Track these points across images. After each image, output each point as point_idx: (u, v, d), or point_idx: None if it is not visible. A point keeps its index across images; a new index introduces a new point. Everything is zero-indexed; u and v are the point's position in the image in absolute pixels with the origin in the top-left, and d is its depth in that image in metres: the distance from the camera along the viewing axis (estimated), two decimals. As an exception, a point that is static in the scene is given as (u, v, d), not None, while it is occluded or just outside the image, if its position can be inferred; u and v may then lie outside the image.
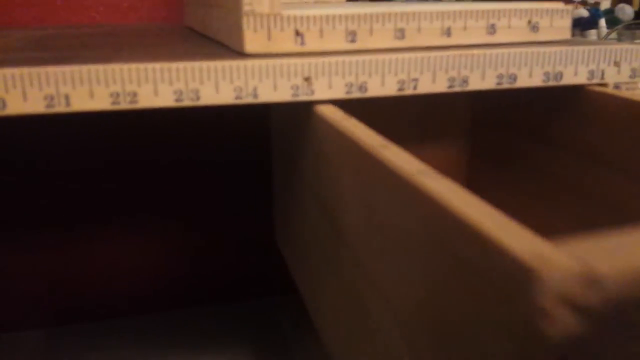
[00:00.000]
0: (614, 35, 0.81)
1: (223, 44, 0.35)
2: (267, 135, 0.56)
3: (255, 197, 0.67)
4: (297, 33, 0.30)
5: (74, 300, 0.69)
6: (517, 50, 0.30)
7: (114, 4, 0.76)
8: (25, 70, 0.25)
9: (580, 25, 0.84)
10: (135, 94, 0.26)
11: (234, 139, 0.65)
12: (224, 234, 0.67)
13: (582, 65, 0.31)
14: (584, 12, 0.85)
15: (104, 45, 0.37)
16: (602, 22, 0.83)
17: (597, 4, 0.89)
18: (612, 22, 0.83)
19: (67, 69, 0.25)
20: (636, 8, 0.87)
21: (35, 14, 0.74)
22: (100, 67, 0.25)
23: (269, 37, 0.29)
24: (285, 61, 0.28)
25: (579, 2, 0.88)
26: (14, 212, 0.63)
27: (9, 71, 0.25)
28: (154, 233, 0.68)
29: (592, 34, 0.83)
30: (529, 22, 0.33)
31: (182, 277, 0.70)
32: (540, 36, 0.33)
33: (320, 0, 0.64)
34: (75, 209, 0.65)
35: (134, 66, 0.26)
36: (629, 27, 0.80)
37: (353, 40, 0.31)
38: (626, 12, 0.83)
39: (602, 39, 0.81)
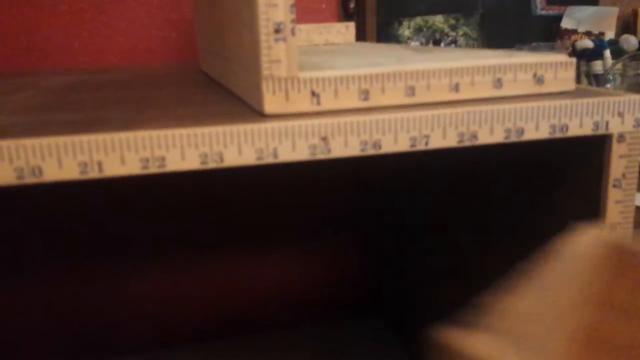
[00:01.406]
0: (619, 66, 0.82)
1: (241, 99, 0.37)
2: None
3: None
4: (313, 94, 0.31)
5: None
6: (524, 105, 0.32)
7: (130, 47, 0.78)
8: (61, 140, 0.27)
9: (586, 57, 0.85)
10: (163, 159, 0.28)
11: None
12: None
13: (587, 117, 0.33)
14: (588, 43, 0.86)
15: (128, 100, 0.39)
16: (607, 53, 0.84)
17: (602, 34, 0.91)
18: (617, 52, 0.84)
19: (100, 138, 0.27)
20: (640, 38, 0.88)
21: (55, 59, 0.77)
22: (130, 135, 0.27)
23: (287, 99, 0.31)
24: (302, 122, 0.29)
25: (583, 33, 0.90)
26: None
27: (45, 140, 0.26)
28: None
29: (598, 64, 0.84)
30: (534, 75, 0.34)
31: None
32: (546, 88, 0.35)
33: (329, 43, 0.66)
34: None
35: (162, 133, 0.27)
36: (634, 57, 0.81)
37: (366, 99, 0.32)
38: (631, 42, 0.85)
39: (607, 70, 0.83)
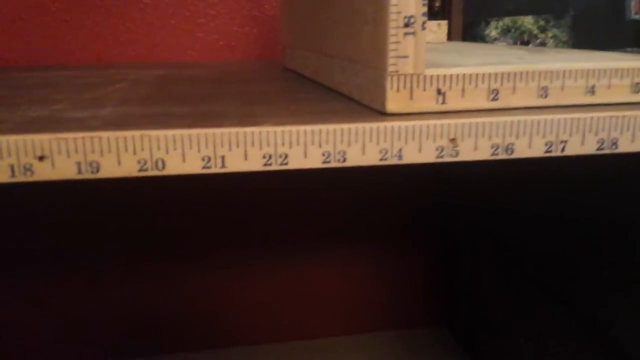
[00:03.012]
0: None
1: (349, 97, 0.35)
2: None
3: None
4: (439, 92, 0.29)
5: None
6: (672, 111, 0.29)
7: (211, 43, 0.78)
8: (185, 132, 0.26)
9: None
10: (286, 156, 0.26)
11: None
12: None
13: None
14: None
15: (231, 95, 0.38)
16: None
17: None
18: None
19: (225, 131, 0.26)
20: None
21: (139, 52, 0.77)
22: (255, 130, 0.26)
23: (411, 97, 0.29)
24: (431, 122, 0.28)
25: (682, 39, 0.84)
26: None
27: (170, 132, 0.25)
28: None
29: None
30: (679, 79, 0.31)
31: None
32: (691, 94, 0.31)
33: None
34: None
35: (286, 129, 0.26)
36: None
37: (495, 99, 0.30)
38: None
39: None
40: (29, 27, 0.74)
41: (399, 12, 0.28)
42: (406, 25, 0.28)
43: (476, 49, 0.49)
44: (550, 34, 0.80)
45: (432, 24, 0.63)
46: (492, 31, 0.78)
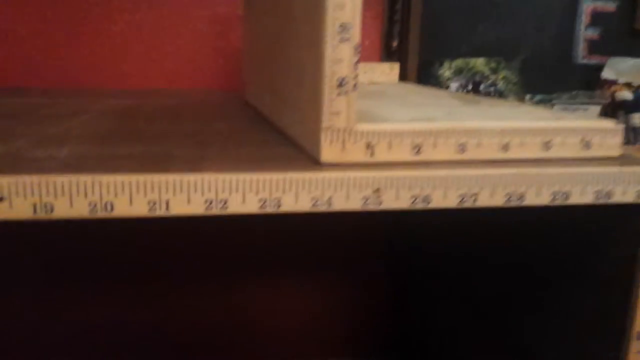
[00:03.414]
0: (658, 120, 0.82)
1: (294, 141, 0.39)
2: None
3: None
4: (368, 145, 0.33)
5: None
6: (571, 170, 0.33)
7: (177, 71, 0.81)
8: (133, 178, 0.28)
9: (624, 109, 0.85)
10: (225, 202, 0.29)
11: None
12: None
13: (630, 186, 0.33)
14: (628, 95, 0.87)
15: (184, 134, 0.41)
16: (647, 106, 0.84)
17: (642, 86, 0.91)
18: (657, 106, 0.85)
19: (170, 178, 0.29)
20: (681, 93, 0.88)
21: (107, 78, 0.80)
22: (198, 177, 0.29)
23: (343, 149, 0.32)
24: (358, 174, 0.31)
25: (623, 84, 0.90)
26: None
27: (119, 178, 0.28)
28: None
29: (636, 117, 0.85)
30: (582, 139, 0.35)
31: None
32: (592, 153, 0.35)
33: (373, 83, 0.68)
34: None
35: (227, 177, 0.29)
36: (674, 112, 0.81)
37: (418, 153, 0.33)
38: (671, 97, 0.85)
39: (646, 123, 0.83)
40: (2, 48, 0.76)
41: (333, 74, 0.31)
42: (339, 85, 0.31)
43: (417, 96, 0.52)
44: (501, 76, 0.85)
45: (385, 66, 0.67)
46: (446, 71, 0.82)
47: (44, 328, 0.82)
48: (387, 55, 0.83)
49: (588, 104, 0.87)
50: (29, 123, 0.44)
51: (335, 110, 0.32)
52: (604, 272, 0.39)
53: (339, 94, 0.31)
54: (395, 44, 0.82)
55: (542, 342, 0.46)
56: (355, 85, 0.31)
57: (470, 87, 0.84)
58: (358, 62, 0.31)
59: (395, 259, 0.85)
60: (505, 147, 0.34)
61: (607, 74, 0.89)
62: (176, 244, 0.81)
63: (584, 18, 0.88)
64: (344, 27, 0.30)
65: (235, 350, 0.88)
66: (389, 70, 0.67)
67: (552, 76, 0.88)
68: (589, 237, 0.40)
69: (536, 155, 0.35)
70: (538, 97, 0.85)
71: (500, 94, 0.85)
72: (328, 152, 0.32)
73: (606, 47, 0.89)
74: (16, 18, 0.76)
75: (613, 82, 0.89)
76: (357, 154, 0.33)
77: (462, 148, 0.34)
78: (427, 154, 0.34)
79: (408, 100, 0.49)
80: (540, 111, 0.42)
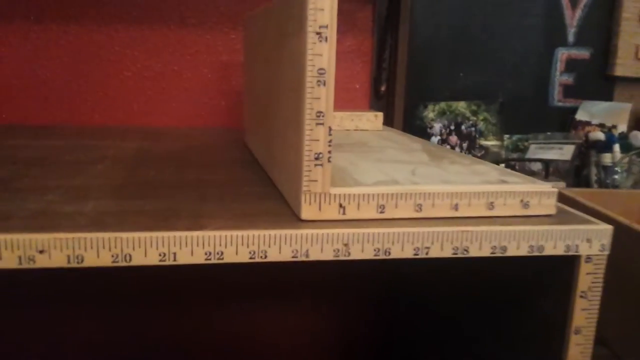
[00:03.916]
0: (627, 160, 0.89)
1: (282, 195, 0.46)
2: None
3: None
4: (341, 205, 0.40)
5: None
6: (509, 228, 0.40)
7: (183, 111, 0.89)
8: (148, 235, 0.35)
9: (596, 148, 0.92)
10: (222, 253, 0.36)
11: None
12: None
13: (560, 241, 0.40)
14: (600, 136, 0.94)
15: (189, 186, 0.48)
16: (617, 147, 0.91)
17: (614, 127, 0.98)
18: (626, 147, 0.92)
19: (177, 235, 0.36)
20: (650, 134, 0.95)
21: (117, 116, 0.87)
22: (199, 234, 0.36)
23: (320, 209, 0.39)
24: (330, 231, 0.38)
25: (596, 125, 0.97)
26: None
27: (136, 235, 0.35)
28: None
29: (607, 157, 0.91)
30: (522, 200, 0.42)
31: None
32: (531, 211, 0.42)
33: (359, 129, 0.75)
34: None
35: (223, 233, 0.36)
36: (641, 154, 0.88)
37: (382, 212, 0.40)
38: (639, 139, 0.92)
39: (615, 163, 0.90)
40: (20, 90, 0.84)
41: (311, 150, 0.38)
42: (316, 158, 0.38)
43: (393, 150, 0.59)
44: (481, 117, 0.93)
45: (370, 115, 0.74)
46: (430, 113, 0.90)
47: (45, 346, 0.89)
48: (376, 97, 0.91)
49: (563, 143, 0.94)
50: (54, 173, 0.51)
51: (313, 178, 0.39)
52: (542, 312, 0.45)
53: (316, 165, 0.38)
54: (383, 88, 0.89)
55: (499, 368, 0.53)
56: (329, 159, 0.39)
57: (452, 127, 0.91)
58: (331, 141, 0.38)
59: (379, 290, 0.92)
60: (456, 207, 0.41)
61: (581, 115, 0.97)
62: (176, 272, 0.88)
63: (559, 65, 0.95)
64: (319, 114, 0.37)
65: (232, 369, 0.95)
66: (374, 118, 0.75)
67: (529, 118, 0.95)
68: (531, 282, 0.47)
69: (482, 214, 0.42)
70: (516, 137, 0.92)
71: (481, 134, 0.92)
72: (307, 211, 0.39)
73: (580, 91, 0.96)
74: (38, 63, 0.84)
75: (587, 124, 0.96)
76: (332, 213, 0.40)
77: (419, 208, 0.41)
78: (390, 213, 0.40)
79: (384, 154, 0.56)
80: (491, 172, 0.48)
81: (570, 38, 0.94)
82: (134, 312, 0.89)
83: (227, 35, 0.87)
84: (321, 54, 0.37)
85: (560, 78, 0.95)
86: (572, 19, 0.94)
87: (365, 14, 0.89)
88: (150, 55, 0.86)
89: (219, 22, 0.87)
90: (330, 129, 0.38)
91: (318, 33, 0.37)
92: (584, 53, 0.95)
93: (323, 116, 0.37)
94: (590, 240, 0.41)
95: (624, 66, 0.96)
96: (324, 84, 0.37)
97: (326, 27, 0.37)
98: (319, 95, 0.37)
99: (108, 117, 0.87)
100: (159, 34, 0.86)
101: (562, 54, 0.94)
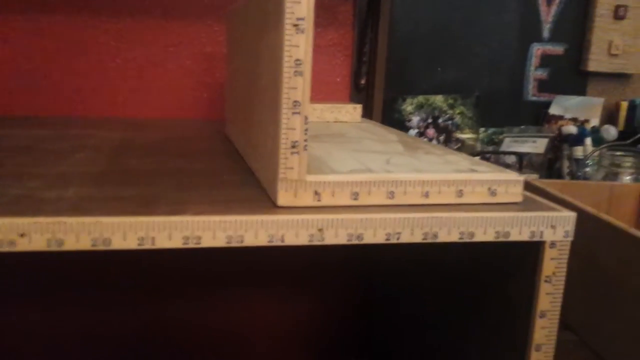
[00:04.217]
0: (598, 153, 0.92)
1: (260, 184, 0.47)
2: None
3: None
4: (316, 192, 0.41)
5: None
6: (476, 214, 0.41)
7: (166, 103, 0.89)
8: (127, 220, 0.36)
9: (569, 142, 0.95)
10: (199, 238, 0.38)
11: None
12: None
13: (525, 227, 0.42)
14: (572, 129, 0.96)
15: (170, 174, 0.49)
16: (588, 140, 0.94)
17: (587, 122, 1.01)
18: (598, 140, 0.94)
19: (155, 220, 0.37)
20: (621, 128, 0.98)
21: (100, 107, 0.88)
22: (178, 219, 0.37)
23: (295, 195, 0.41)
24: (305, 217, 0.39)
25: (569, 119, 1.00)
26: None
27: (115, 220, 0.36)
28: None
29: (579, 150, 0.94)
30: (489, 189, 0.44)
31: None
32: (498, 199, 0.44)
33: (338, 121, 0.77)
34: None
35: (200, 219, 0.37)
36: (612, 147, 0.91)
37: (356, 199, 0.42)
38: (610, 132, 0.95)
39: (586, 156, 0.92)
40: (2, 81, 0.84)
41: (287, 137, 0.39)
42: (292, 147, 0.40)
43: (369, 140, 0.61)
44: (457, 111, 0.95)
45: (349, 107, 0.75)
46: (408, 106, 0.92)
47: (41, 336, 0.89)
48: (356, 90, 0.92)
49: (536, 137, 0.96)
50: (37, 161, 0.52)
51: (290, 165, 0.40)
52: (509, 296, 0.47)
53: (292, 153, 0.40)
54: (363, 81, 0.91)
55: (467, 351, 0.55)
56: (305, 147, 0.40)
57: (430, 120, 0.93)
58: (307, 129, 0.40)
59: (355, 276, 0.94)
60: (426, 194, 0.43)
61: (554, 110, 0.99)
62: (167, 260, 0.89)
63: (534, 60, 0.98)
64: (296, 103, 0.39)
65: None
66: (353, 110, 0.76)
67: (504, 112, 0.97)
68: (498, 268, 0.49)
69: (451, 201, 0.43)
70: (491, 130, 0.94)
71: (457, 127, 0.95)
72: (284, 197, 0.41)
73: (554, 86, 0.99)
74: (21, 54, 0.84)
75: (560, 118, 0.99)
76: (307, 200, 0.41)
77: (392, 195, 0.42)
78: (364, 200, 0.42)
79: (360, 145, 0.57)
80: (462, 161, 0.50)
81: (545, 34, 0.97)
82: (110, 301, 0.90)
83: (211, 27, 0.88)
84: (298, 45, 0.38)
85: (535, 73, 0.97)
86: (548, 14, 0.96)
87: (346, 8, 0.90)
88: (134, 46, 0.87)
89: (202, 14, 0.88)
90: (306, 118, 0.39)
91: (295, 25, 0.38)
92: (558, 49, 0.98)
93: (299, 105, 0.39)
94: (555, 227, 0.43)
95: (597, 61, 0.99)
96: (301, 75, 0.39)
97: (303, 19, 0.38)
98: (295, 85, 0.39)
99: (91, 108, 0.87)
100: (142, 25, 0.86)
101: (537, 50, 0.97)
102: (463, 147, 0.95)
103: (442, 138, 0.94)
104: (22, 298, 0.87)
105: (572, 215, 0.43)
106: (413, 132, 0.94)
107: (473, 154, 0.93)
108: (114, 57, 0.86)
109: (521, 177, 0.45)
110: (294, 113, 0.39)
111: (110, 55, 0.86)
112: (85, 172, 0.49)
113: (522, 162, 0.91)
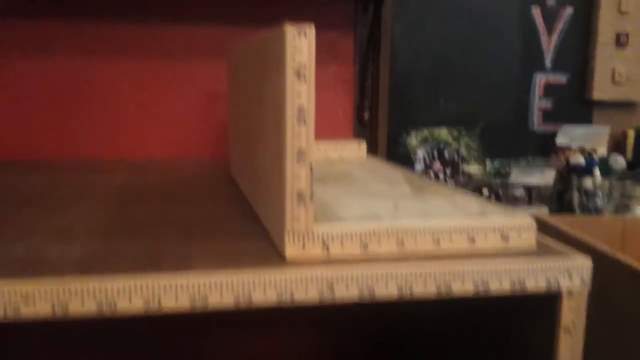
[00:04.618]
0: (606, 185, 0.90)
1: (267, 232, 0.46)
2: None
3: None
4: (324, 244, 0.40)
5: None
6: (491, 265, 0.40)
7: (169, 142, 0.89)
8: (132, 281, 0.35)
9: (577, 172, 0.94)
10: (206, 298, 0.36)
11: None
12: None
13: (541, 277, 0.41)
14: (580, 160, 0.95)
15: (176, 223, 0.48)
16: (597, 171, 0.93)
17: (594, 151, 1.00)
18: (607, 170, 0.93)
19: (162, 280, 0.36)
20: (629, 157, 0.97)
21: (103, 149, 0.87)
22: (184, 280, 0.36)
23: (304, 248, 0.40)
24: (315, 272, 0.38)
25: (576, 149, 0.99)
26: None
27: (120, 282, 0.35)
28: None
29: (588, 181, 0.93)
30: (502, 234, 0.43)
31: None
32: (511, 245, 0.43)
33: (343, 159, 0.76)
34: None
35: (208, 278, 0.36)
36: (621, 177, 0.90)
37: (365, 248, 0.41)
38: (619, 162, 0.94)
39: (596, 188, 0.91)
40: (5, 125, 0.84)
41: (292, 187, 0.39)
42: (298, 196, 0.39)
43: (375, 181, 0.60)
44: (463, 143, 0.94)
45: (354, 144, 0.75)
46: (413, 140, 0.91)
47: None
48: (359, 125, 0.92)
49: (544, 168, 0.95)
50: (41, 212, 0.51)
51: (296, 216, 0.39)
52: (526, 350, 0.46)
53: (298, 204, 0.39)
54: (366, 115, 0.90)
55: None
56: (311, 196, 0.39)
57: (435, 153, 0.92)
58: (312, 178, 0.39)
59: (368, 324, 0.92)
60: (437, 242, 0.42)
61: (561, 140, 0.98)
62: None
63: (538, 90, 0.97)
64: (300, 152, 0.38)
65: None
66: (358, 148, 0.75)
67: (509, 143, 0.96)
68: (514, 316, 0.48)
69: (463, 248, 0.42)
70: (497, 161, 0.94)
71: (463, 159, 0.94)
72: (291, 250, 0.40)
73: (559, 115, 0.98)
74: (24, 97, 0.84)
75: (567, 148, 0.98)
76: (315, 251, 0.40)
77: (402, 243, 0.41)
78: (373, 250, 0.41)
79: (367, 187, 0.56)
80: (472, 204, 0.49)
81: (548, 63, 0.96)
82: (125, 338, 0.88)
83: (212, 66, 0.88)
84: (300, 93, 0.38)
85: (539, 103, 0.97)
86: (549, 44, 0.96)
87: (346, 43, 0.90)
88: (136, 86, 0.87)
89: (204, 53, 0.88)
90: (311, 166, 0.39)
91: (297, 72, 0.37)
92: (561, 78, 0.97)
93: (304, 154, 0.38)
94: (571, 275, 0.41)
95: (601, 90, 0.98)
96: (304, 122, 0.38)
97: (305, 66, 0.37)
98: (299, 133, 0.38)
99: (94, 150, 0.87)
100: (143, 66, 0.86)
101: (540, 79, 0.96)
102: (470, 180, 0.94)
103: (448, 171, 0.93)
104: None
105: (588, 262, 0.42)
106: (419, 165, 0.93)
107: (481, 187, 0.92)
108: (115, 98, 0.86)
109: (534, 222, 0.44)
110: (298, 161, 0.38)
111: (112, 96, 0.86)
112: (89, 224, 0.48)
113: (532, 195, 0.90)
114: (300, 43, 0.37)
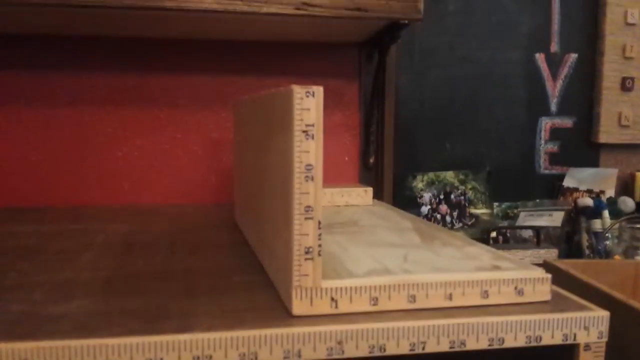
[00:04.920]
0: (617, 226, 0.89)
1: (273, 284, 0.45)
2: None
3: None
4: (332, 299, 0.39)
5: None
6: (504, 318, 0.39)
7: (174, 188, 0.88)
8: (134, 340, 0.34)
9: (586, 215, 0.93)
10: (211, 357, 0.35)
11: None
12: None
13: (557, 330, 0.39)
14: (589, 202, 0.94)
15: (178, 278, 0.47)
16: (606, 213, 0.92)
17: (602, 192, 0.99)
18: (615, 212, 0.92)
19: (164, 339, 0.34)
20: (638, 199, 0.96)
21: (108, 196, 0.87)
22: (187, 337, 0.35)
23: (311, 304, 0.39)
24: (323, 328, 0.37)
25: (584, 191, 0.98)
26: None
27: (121, 341, 0.34)
28: None
29: (597, 223, 0.92)
30: (516, 287, 0.42)
31: None
32: (525, 298, 0.42)
33: (349, 204, 0.75)
34: None
35: (211, 337, 0.35)
36: (630, 219, 0.89)
37: (375, 304, 0.40)
38: (628, 204, 0.92)
39: (605, 230, 0.90)
40: (10, 173, 0.84)
41: (300, 244, 0.38)
42: (306, 252, 0.38)
43: (383, 229, 0.59)
44: (469, 186, 0.93)
45: (360, 190, 0.74)
46: (419, 183, 0.90)
47: None
48: (365, 169, 0.91)
49: (552, 210, 0.94)
50: (42, 266, 0.51)
51: (304, 272, 0.38)
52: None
53: (306, 259, 0.38)
54: (372, 160, 0.90)
55: None
56: (319, 252, 0.38)
57: (442, 196, 0.92)
58: (320, 235, 0.38)
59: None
60: (450, 297, 0.41)
61: (568, 182, 0.98)
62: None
63: (544, 133, 0.97)
64: (308, 208, 0.37)
65: None
66: (364, 193, 0.75)
67: (516, 186, 0.96)
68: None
69: (476, 302, 0.41)
70: (505, 205, 0.93)
71: (470, 202, 0.93)
72: (299, 306, 0.38)
73: (565, 158, 0.98)
74: (29, 146, 0.84)
75: (575, 190, 0.97)
76: (324, 308, 0.39)
77: (413, 298, 0.40)
78: (383, 305, 0.40)
79: (375, 236, 0.55)
80: (484, 255, 0.48)
81: (553, 107, 0.97)
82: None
83: (218, 114, 0.89)
84: (308, 150, 0.37)
85: (545, 146, 0.97)
86: (554, 89, 0.96)
87: (351, 90, 0.91)
88: (141, 134, 0.87)
89: (209, 101, 0.88)
90: (319, 222, 0.38)
91: (305, 131, 0.37)
92: (567, 122, 0.97)
93: (312, 210, 0.37)
94: (588, 328, 0.40)
95: (607, 133, 0.98)
96: (312, 179, 0.38)
97: (312, 125, 0.37)
98: (307, 190, 0.37)
99: (99, 197, 0.87)
100: (149, 114, 0.87)
101: (546, 123, 0.96)
102: (478, 223, 0.92)
103: (455, 214, 0.92)
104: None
105: (605, 314, 0.40)
106: (425, 208, 0.92)
107: (489, 229, 0.90)
108: (120, 146, 0.86)
109: (549, 275, 0.43)
110: (306, 218, 0.38)
111: (117, 144, 0.86)
112: (90, 278, 0.47)
113: (540, 237, 0.88)
114: (308, 103, 0.37)
